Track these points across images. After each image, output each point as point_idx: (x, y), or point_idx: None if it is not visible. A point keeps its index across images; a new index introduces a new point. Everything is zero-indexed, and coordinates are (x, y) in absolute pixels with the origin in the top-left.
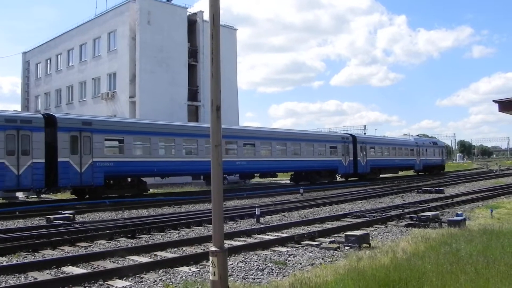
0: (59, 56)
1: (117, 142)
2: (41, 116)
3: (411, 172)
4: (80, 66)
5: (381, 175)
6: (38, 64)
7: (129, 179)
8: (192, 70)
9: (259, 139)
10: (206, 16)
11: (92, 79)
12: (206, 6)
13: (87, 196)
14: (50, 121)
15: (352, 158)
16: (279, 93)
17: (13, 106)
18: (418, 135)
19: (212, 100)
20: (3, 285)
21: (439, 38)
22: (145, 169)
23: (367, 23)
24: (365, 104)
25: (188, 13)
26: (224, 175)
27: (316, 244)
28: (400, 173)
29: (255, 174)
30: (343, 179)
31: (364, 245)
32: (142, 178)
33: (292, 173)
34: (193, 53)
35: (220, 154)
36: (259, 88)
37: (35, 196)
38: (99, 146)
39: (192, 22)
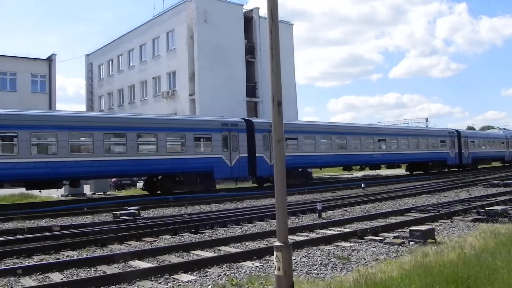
0: (120, 57)
1: (292, 140)
2: (243, 120)
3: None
4: (141, 66)
5: (479, 166)
6: (101, 66)
7: (300, 170)
8: (249, 66)
9: (388, 135)
10: (262, 13)
11: (153, 78)
12: (261, 2)
13: (270, 184)
14: (248, 124)
15: (457, 151)
16: (337, 87)
17: (78, 107)
18: (484, 127)
19: (273, 95)
20: (74, 278)
21: (503, 25)
22: (311, 161)
23: (425, 13)
24: (426, 96)
25: (244, 10)
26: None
27: (379, 239)
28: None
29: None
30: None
31: (430, 240)
32: (308, 169)
33: (406, 164)
34: (250, 50)
35: (283, 149)
36: (317, 83)
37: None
38: None
39: (248, 19)
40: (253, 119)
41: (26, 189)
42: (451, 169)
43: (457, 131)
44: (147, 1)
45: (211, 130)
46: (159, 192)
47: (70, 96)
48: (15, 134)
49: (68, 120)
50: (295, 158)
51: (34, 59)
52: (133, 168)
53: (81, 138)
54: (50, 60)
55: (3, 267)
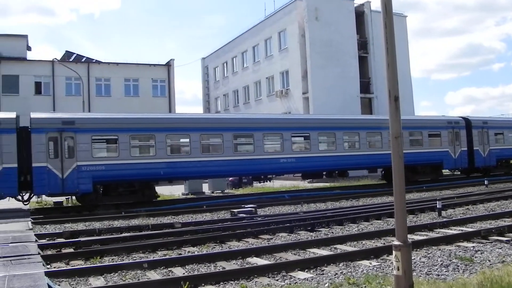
0: (234, 59)
1: (499, 135)
2: (462, 118)
3: None
4: (254, 66)
5: None
6: (216, 68)
7: (503, 161)
8: (362, 62)
9: None
10: (374, 6)
11: (266, 78)
12: None
13: (480, 174)
14: (467, 122)
15: None
16: (455, 79)
17: (195, 109)
18: None
19: (389, 91)
20: (195, 273)
21: None
22: None
23: None
24: None
25: (355, 5)
26: None
27: (506, 240)
28: None
29: None
30: None
31: None
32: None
33: None
34: (362, 45)
35: (401, 146)
36: (433, 76)
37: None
38: (492, 139)
39: (359, 14)
40: (470, 117)
41: (303, 179)
42: None
43: None
44: (258, 3)
45: (440, 128)
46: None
47: (187, 99)
48: (308, 134)
49: (343, 122)
50: (502, 150)
51: (154, 65)
52: (381, 160)
53: (349, 137)
54: (168, 65)
55: (131, 261)
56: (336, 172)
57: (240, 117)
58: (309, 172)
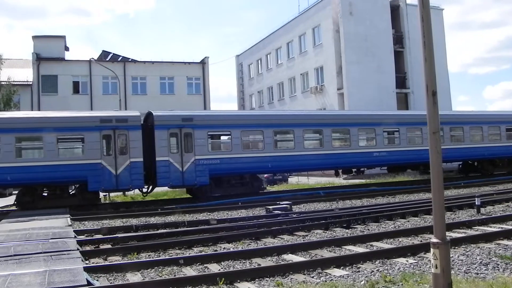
0: (268, 55)
1: None
2: None
3: None
4: (288, 63)
5: None
6: (250, 65)
7: None
8: (398, 56)
9: None
10: (409, 0)
11: (301, 74)
12: None
13: None
14: None
15: None
16: (494, 72)
17: (230, 106)
18: None
19: (427, 85)
20: (231, 269)
21: None
22: None
23: None
24: None
25: None
26: None
27: None
28: None
29: None
30: None
31: None
32: None
33: None
34: (398, 39)
35: (439, 141)
36: (470, 69)
37: None
38: None
39: (395, 8)
40: None
41: (389, 171)
42: None
43: None
44: (291, 0)
45: None
46: (476, 174)
47: (222, 96)
48: (397, 130)
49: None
50: None
51: (189, 63)
52: (462, 154)
53: (416, 133)
54: (203, 63)
55: (167, 257)
56: (421, 167)
57: (334, 113)
58: (397, 165)
